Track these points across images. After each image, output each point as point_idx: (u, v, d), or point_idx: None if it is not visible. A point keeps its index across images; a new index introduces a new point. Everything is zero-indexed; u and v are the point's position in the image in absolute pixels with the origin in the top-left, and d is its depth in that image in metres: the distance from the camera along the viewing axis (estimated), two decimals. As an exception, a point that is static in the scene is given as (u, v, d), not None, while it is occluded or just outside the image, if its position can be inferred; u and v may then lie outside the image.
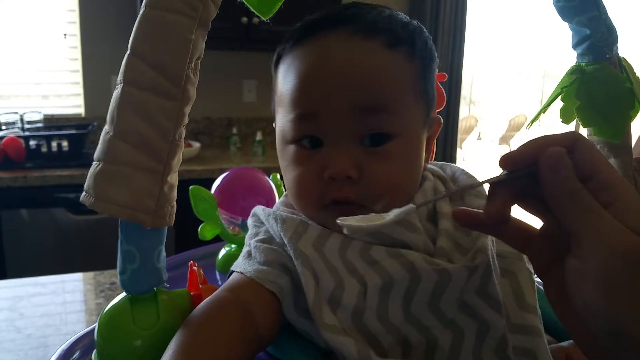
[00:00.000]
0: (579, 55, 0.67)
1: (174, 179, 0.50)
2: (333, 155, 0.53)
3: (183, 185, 0.89)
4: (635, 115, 0.65)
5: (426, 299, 0.51)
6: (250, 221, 0.64)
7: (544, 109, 0.68)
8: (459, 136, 4.03)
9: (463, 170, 0.64)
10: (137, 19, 0.48)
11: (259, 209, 0.63)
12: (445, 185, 0.62)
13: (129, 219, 0.47)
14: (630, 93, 0.64)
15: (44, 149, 2.49)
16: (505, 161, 0.42)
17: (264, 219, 0.60)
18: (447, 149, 3.50)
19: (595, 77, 0.64)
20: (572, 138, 0.40)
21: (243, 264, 0.57)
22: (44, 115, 2.78)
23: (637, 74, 0.66)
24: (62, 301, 1.23)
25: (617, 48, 0.65)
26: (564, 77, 0.67)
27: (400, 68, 0.55)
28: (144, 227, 0.49)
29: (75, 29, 2.94)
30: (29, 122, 2.69)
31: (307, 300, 0.51)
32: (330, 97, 0.53)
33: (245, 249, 0.60)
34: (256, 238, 0.59)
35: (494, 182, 0.43)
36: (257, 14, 0.57)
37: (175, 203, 0.51)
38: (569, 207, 0.39)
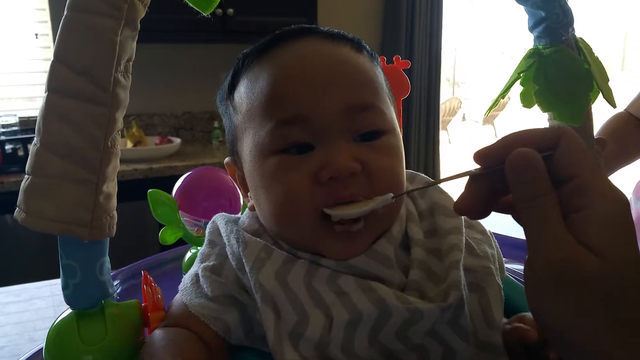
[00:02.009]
0: (536, 38, 0.65)
1: (110, 187, 0.48)
2: (331, 153, 0.49)
3: (167, 182, 0.87)
4: (594, 98, 0.64)
5: (394, 330, 0.50)
6: (207, 230, 0.60)
7: (502, 94, 0.67)
8: (443, 118, 4.02)
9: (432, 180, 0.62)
10: (61, 23, 0.45)
11: (220, 220, 0.59)
12: (415, 202, 0.60)
13: (62, 233, 0.45)
14: (588, 75, 0.62)
15: (20, 153, 2.45)
16: (478, 156, 0.41)
17: (224, 235, 0.56)
18: (430, 132, 3.48)
19: (553, 60, 0.63)
20: (556, 135, 0.39)
21: (190, 292, 0.54)
22: (20, 118, 2.74)
23: (595, 55, 0.65)
24: (35, 309, 1.22)
25: (573, 29, 0.63)
26: (521, 61, 0.66)
27: (372, 69, 0.55)
28: (82, 241, 0.47)
29: (47, 29, 2.88)
30: (4, 126, 2.64)
31: (267, 338, 0.49)
32: (321, 98, 0.50)
33: (194, 269, 0.56)
34: (206, 264, 0.55)
35: (471, 176, 0.42)
36: (198, 9, 0.55)
37: (115, 213, 0.49)
38: (523, 212, 0.39)
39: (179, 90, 3.15)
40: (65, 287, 0.49)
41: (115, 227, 0.49)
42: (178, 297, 0.55)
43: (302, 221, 0.51)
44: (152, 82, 3.03)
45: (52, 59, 0.45)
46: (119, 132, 0.48)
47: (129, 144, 2.70)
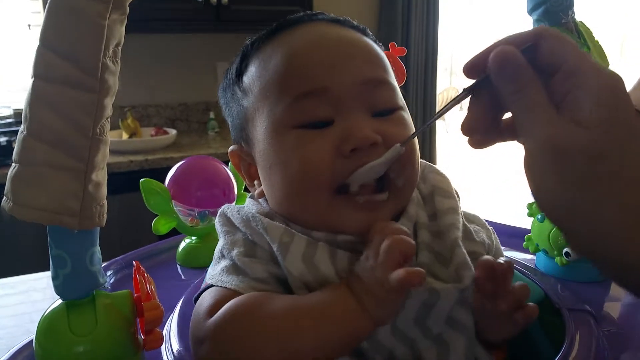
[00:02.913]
0: (535, 21, 0.64)
1: (100, 176, 0.47)
2: (352, 125, 0.50)
3: (163, 173, 0.86)
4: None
5: (412, 315, 0.50)
6: (218, 224, 0.58)
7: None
8: (440, 107, 3.98)
9: (431, 166, 0.61)
10: (46, 7, 0.44)
11: (229, 210, 0.57)
12: (418, 186, 0.59)
13: (51, 223, 0.44)
14: (587, 59, 0.61)
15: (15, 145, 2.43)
16: (466, 69, 0.43)
17: (239, 223, 0.55)
18: (427, 120, 3.46)
19: (552, 44, 0.62)
20: (535, 34, 0.41)
21: (233, 280, 0.50)
22: (14, 110, 2.72)
23: (595, 39, 0.64)
24: (32, 301, 1.20)
25: (573, 12, 0.62)
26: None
27: (380, 50, 0.56)
28: (71, 230, 0.46)
29: (40, 19, 2.85)
30: (-1, 118, 2.63)
31: None
32: (340, 70, 0.51)
33: (225, 262, 0.53)
34: (237, 251, 0.53)
35: (471, 92, 0.44)
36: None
37: (105, 202, 0.48)
38: (512, 107, 0.41)
39: (174, 81, 3.12)
40: (55, 278, 0.48)
41: (105, 216, 0.48)
42: (211, 292, 0.51)
43: (319, 194, 0.51)
44: (147, 72, 3.01)
45: (38, 43, 0.44)
46: (109, 119, 0.47)
47: (124, 136, 2.68)
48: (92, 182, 0.45)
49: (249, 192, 0.62)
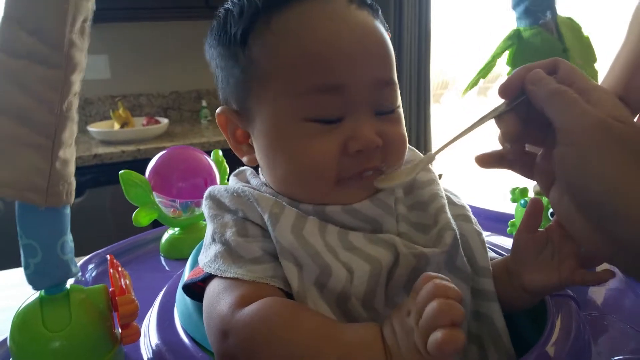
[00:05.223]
0: (517, 19, 0.66)
1: (68, 154, 0.46)
2: (359, 127, 0.51)
3: None
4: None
5: (402, 282, 0.51)
6: (206, 208, 0.57)
7: (482, 74, 0.66)
8: (436, 92, 3.97)
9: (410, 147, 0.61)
10: (11, -21, 0.43)
11: (216, 190, 0.57)
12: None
13: (16, 199, 0.44)
14: (564, 57, 0.62)
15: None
16: (501, 91, 0.49)
17: (229, 201, 0.54)
18: (421, 105, 3.42)
19: (531, 44, 0.63)
20: (553, 62, 0.48)
21: (227, 269, 0.50)
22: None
23: (585, 35, 0.64)
24: (23, 294, 1.19)
25: (553, 13, 0.63)
26: (500, 43, 0.66)
27: (388, 39, 0.56)
28: (41, 218, 0.46)
29: None
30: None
31: (292, 288, 0.49)
32: (358, 69, 0.51)
33: (217, 247, 0.52)
34: (230, 232, 0.52)
35: (500, 114, 0.50)
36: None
37: (73, 180, 0.47)
38: (552, 102, 0.45)
39: (165, 69, 3.10)
40: (26, 267, 0.48)
41: (73, 194, 0.47)
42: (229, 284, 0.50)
43: (322, 185, 0.52)
44: (138, 62, 2.99)
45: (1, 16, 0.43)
46: (76, 96, 0.46)
47: (116, 126, 2.67)
48: (59, 159, 0.45)
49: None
